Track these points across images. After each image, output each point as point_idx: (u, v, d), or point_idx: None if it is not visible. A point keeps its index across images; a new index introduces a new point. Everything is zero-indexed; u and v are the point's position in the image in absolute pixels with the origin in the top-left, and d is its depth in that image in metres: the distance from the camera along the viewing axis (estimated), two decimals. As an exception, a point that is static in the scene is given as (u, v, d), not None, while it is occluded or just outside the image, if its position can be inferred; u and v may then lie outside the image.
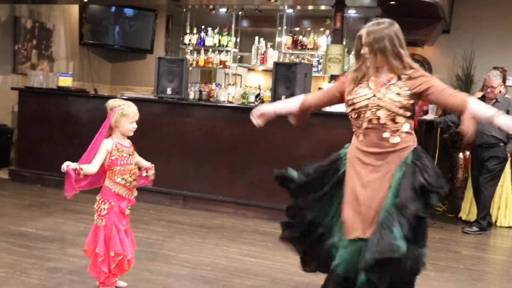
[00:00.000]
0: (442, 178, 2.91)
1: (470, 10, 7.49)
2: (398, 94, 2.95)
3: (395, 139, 2.97)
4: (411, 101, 2.97)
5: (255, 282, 3.94)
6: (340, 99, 3.24)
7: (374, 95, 2.99)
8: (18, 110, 7.52)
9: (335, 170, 3.17)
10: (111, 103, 3.42)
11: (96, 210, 3.38)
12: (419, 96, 2.99)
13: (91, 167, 3.29)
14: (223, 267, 4.24)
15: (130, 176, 3.42)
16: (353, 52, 3.23)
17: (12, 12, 8.39)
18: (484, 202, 6.13)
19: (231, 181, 6.24)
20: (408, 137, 3.00)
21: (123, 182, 3.39)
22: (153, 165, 3.66)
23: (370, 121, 3.01)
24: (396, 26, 3.08)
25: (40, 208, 5.75)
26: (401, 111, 2.95)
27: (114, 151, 3.36)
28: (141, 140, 6.43)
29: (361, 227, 2.97)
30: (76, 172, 3.21)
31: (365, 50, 3.02)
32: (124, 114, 3.37)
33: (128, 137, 3.52)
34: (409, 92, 2.95)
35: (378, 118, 2.98)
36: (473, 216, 6.46)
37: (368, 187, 3.00)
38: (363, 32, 3.06)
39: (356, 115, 3.05)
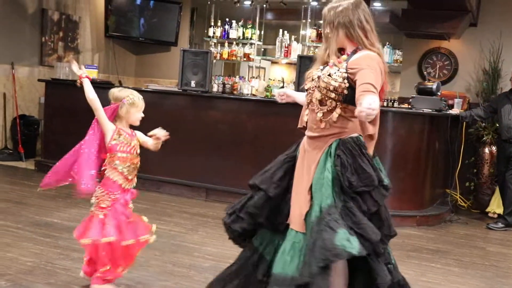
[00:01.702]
0: (366, 173, 2.62)
1: (498, 2, 7.36)
2: (329, 75, 2.72)
3: (322, 124, 2.74)
4: (346, 85, 2.69)
5: None
6: None
7: (319, 76, 2.78)
8: (44, 101, 7.66)
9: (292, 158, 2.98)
10: (116, 93, 3.31)
11: (96, 200, 3.25)
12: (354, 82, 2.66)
13: (91, 91, 3.22)
14: None
15: (130, 166, 3.27)
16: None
17: (40, 5, 8.52)
18: (510, 198, 6.06)
19: (254, 174, 6.24)
20: (340, 124, 2.72)
21: (121, 169, 3.24)
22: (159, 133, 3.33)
23: (309, 103, 2.85)
24: (361, 2, 2.82)
25: (65, 199, 5.81)
26: (332, 94, 2.70)
27: (115, 135, 3.24)
28: (164, 133, 6.58)
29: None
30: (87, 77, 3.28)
31: (327, 29, 2.82)
32: (134, 103, 3.28)
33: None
34: (345, 75, 2.69)
35: (311, 101, 2.81)
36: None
37: (296, 174, 2.86)
38: (325, 10, 2.85)
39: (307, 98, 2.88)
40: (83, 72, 3.31)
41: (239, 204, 2.99)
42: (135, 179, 3.35)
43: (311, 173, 2.75)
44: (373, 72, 2.59)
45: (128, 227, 3.25)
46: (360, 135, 2.71)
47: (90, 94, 3.20)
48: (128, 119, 3.29)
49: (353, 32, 2.74)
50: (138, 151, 3.33)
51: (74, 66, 3.35)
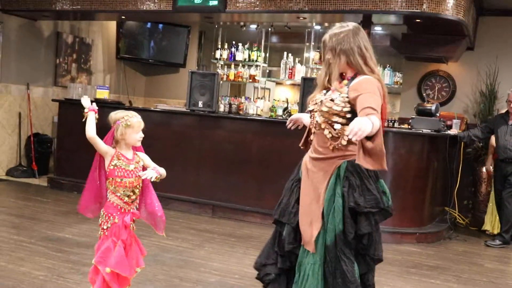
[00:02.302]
0: (372, 195, 2.76)
1: (494, 27, 7.50)
2: (332, 100, 2.83)
3: (330, 147, 2.84)
4: (348, 109, 2.79)
5: None
6: None
7: (321, 101, 2.90)
8: (57, 120, 7.81)
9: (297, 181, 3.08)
10: (113, 116, 3.20)
11: (99, 224, 3.20)
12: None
13: (91, 128, 3.13)
14: (251, 276, 4.18)
15: (128, 189, 3.17)
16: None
17: (55, 28, 8.75)
18: (507, 216, 6.14)
19: (259, 192, 6.36)
20: (347, 146, 2.82)
21: (119, 194, 3.16)
22: (155, 168, 3.19)
23: (314, 126, 2.95)
24: (360, 29, 2.92)
25: (76, 215, 5.75)
26: (335, 118, 2.81)
27: (114, 159, 3.15)
28: (173, 151, 6.80)
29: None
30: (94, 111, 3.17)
31: (328, 55, 2.91)
32: (129, 125, 3.15)
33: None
34: (347, 99, 2.80)
35: (318, 124, 2.90)
36: (497, 229, 6.47)
37: (304, 194, 2.97)
38: (326, 36, 2.93)
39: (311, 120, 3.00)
40: (90, 106, 3.20)
41: (271, 250, 3.11)
42: (137, 201, 3.26)
43: (321, 196, 2.84)
44: (372, 96, 2.68)
45: (132, 253, 3.22)
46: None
47: (90, 132, 3.11)
48: (125, 141, 3.17)
49: (353, 59, 2.85)
50: (140, 173, 3.17)
51: (84, 100, 3.24)
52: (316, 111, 2.92)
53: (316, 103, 2.94)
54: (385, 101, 2.83)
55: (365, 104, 2.63)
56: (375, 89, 2.74)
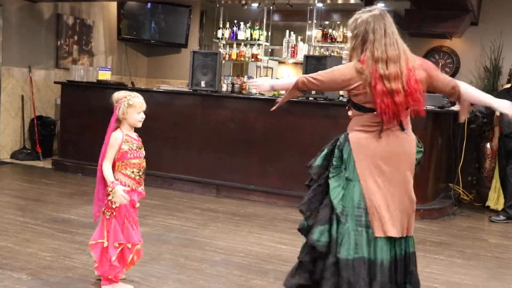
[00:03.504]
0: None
1: (498, 2, 7.44)
2: None
3: None
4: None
5: (287, 268, 3.90)
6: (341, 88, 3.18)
7: None
8: (60, 103, 7.82)
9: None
10: (116, 95, 3.27)
11: (106, 205, 3.26)
12: None
13: (109, 170, 3.22)
14: (256, 254, 4.32)
15: (139, 170, 3.28)
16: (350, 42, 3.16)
17: (55, 10, 8.71)
18: (511, 191, 6.14)
19: (263, 171, 6.39)
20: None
21: (133, 175, 3.26)
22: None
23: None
24: (386, 14, 3.01)
25: (81, 196, 5.96)
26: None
27: (124, 143, 3.24)
28: (176, 131, 6.81)
29: None
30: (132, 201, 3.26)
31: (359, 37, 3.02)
32: (131, 104, 3.22)
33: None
34: None
35: None
36: (500, 205, 6.48)
37: None
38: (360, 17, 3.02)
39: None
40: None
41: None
42: (143, 181, 3.35)
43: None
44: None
45: (133, 230, 3.30)
46: None
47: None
48: (127, 121, 3.25)
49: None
50: (144, 153, 3.34)
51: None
52: None
53: None
54: (377, 82, 2.88)
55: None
56: (336, 67, 3.05)
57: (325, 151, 3.10)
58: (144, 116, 3.29)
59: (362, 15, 2.99)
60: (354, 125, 3.04)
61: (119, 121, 3.27)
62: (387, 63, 2.89)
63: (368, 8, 3.03)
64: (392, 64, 2.89)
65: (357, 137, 2.98)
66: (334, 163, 3.01)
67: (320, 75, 3.03)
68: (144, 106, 3.28)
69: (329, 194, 2.97)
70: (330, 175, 2.98)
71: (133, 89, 7.63)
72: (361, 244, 2.88)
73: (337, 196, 2.94)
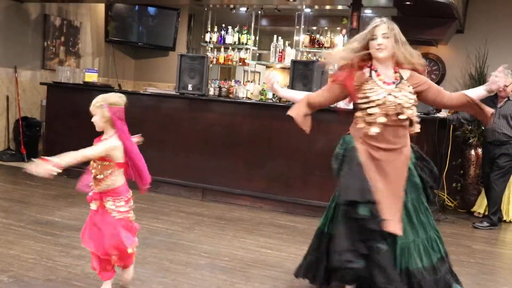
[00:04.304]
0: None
1: (484, 10, 7.52)
2: (410, 92, 3.21)
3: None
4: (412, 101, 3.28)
5: (271, 273, 4.01)
6: (343, 97, 3.36)
7: (390, 93, 3.17)
8: (46, 104, 7.73)
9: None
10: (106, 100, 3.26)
11: (114, 209, 3.32)
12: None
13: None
14: (241, 258, 4.32)
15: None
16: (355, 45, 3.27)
17: (42, 10, 8.66)
18: (494, 198, 6.20)
19: (249, 175, 6.37)
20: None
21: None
22: None
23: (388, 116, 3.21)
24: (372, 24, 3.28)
25: (66, 198, 5.91)
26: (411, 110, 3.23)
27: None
28: (162, 134, 6.78)
29: None
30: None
31: (389, 42, 3.21)
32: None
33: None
34: (413, 91, 3.24)
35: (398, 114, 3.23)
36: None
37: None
38: (383, 24, 3.22)
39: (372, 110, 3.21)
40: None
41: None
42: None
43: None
44: None
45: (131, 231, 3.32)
46: None
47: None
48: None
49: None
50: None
51: None
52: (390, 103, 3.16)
53: (384, 96, 3.17)
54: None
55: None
56: None
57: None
58: (95, 120, 3.25)
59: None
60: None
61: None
62: None
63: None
64: None
65: None
66: None
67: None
68: (92, 108, 3.23)
69: None
70: None
71: (120, 91, 7.60)
72: None
73: None
